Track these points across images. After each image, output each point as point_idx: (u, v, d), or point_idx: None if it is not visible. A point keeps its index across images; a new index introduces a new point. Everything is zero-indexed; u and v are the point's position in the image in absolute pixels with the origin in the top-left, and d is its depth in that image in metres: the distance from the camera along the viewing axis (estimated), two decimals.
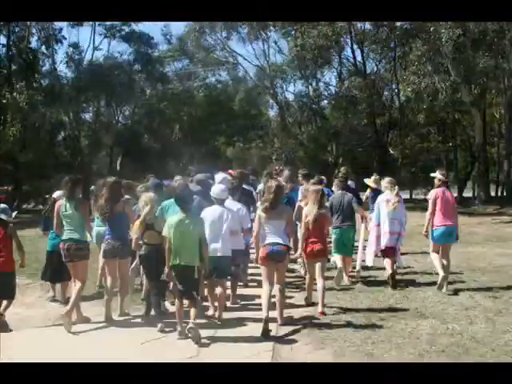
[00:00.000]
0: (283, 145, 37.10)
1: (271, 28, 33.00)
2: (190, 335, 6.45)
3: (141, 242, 7.49)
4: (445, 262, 8.96)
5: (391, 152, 31.60)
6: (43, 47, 33.83)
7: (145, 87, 36.80)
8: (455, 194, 29.02)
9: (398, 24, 28.43)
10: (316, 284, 7.78)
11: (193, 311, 6.61)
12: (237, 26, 33.09)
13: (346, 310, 7.58)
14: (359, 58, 30.64)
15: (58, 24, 33.03)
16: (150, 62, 35.28)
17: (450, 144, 31.16)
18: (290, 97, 39.30)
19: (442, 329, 6.64)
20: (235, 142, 45.94)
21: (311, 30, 27.37)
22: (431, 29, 23.92)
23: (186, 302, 6.74)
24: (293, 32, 31.33)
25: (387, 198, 9.67)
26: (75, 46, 35.03)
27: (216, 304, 7.53)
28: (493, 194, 31.39)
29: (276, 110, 40.56)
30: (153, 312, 7.49)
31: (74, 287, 7.56)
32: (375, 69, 32.72)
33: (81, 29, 35.16)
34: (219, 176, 9.17)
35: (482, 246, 13.68)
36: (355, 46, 30.22)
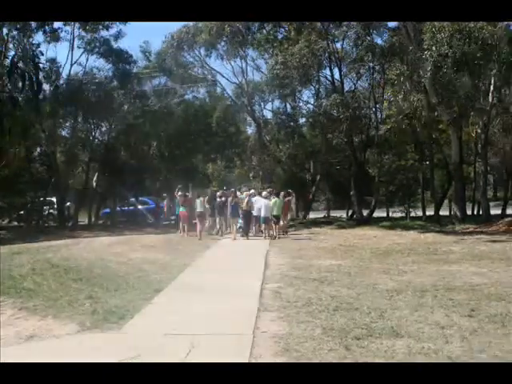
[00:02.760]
0: (261, 162, 37.13)
1: (250, 45, 33.11)
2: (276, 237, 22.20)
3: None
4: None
5: (369, 170, 31.73)
6: (20, 63, 33.54)
7: (122, 103, 36.62)
8: (432, 213, 29.32)
9: (378, 42, 28.79)
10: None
11: (274, 229, 22.66)
12: (215, 43, 33.13)
13: (321, 329, 7.50)
14: (337, 77, 30.81)
15: (35, 39, 32.96)
16: (128, 78, 35.12)
17: (427, 162, 31.33)
18: (268, 114, 39.44)
19: (417, 348, 6.58)
20: (213, 159, 45.94)
21: (290, 48, 27.50)
22: (410, 48, 24.18)
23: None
24: (271, 50, 31.50)
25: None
26: (53, 61, 34.81)
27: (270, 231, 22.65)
28: (469, 212, 31.59)
29: (254, 127, 40.63)
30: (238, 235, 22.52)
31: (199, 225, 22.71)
32: (353, 87, 32.91)
33: (59, 44, 34.93)
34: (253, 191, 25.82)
35: (458, 265, 13.71)
36: (333, 65, 30.38)
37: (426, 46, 22.28)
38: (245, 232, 22.67)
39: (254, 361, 6.26)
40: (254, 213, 22.77)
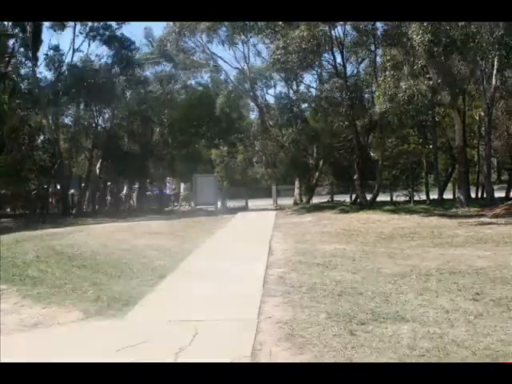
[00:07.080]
0: (264, 147, 37.08)
1: (251, 30, 32.96)
2: None
3: None
4: None
5: (372, 154, 31.64)
6: (22, 49, 33.48)
7: (125, 90, 36.49)
8: (435, 197, 29.23)
9: (379, 25, 28.53)
10: None
11: None
12: (217, 29, 33.00)
13: (326, 314, 7.47)
14: (339, 61, 30.61)
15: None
16: (130, 64, 35.02)
17: (431, 146, 31.23)
18: (271, 99, 39.36)
19: (422, 332, 6.53)
20: (216, 144, 45.92)
21: (291, 32, 27.29)
22: (409, 32, 23.97)
23: None
24: (273, 35, 31.32)
25: None
26: (56, 48, 34.71)
27: None
28: (473, 195, 31.52)
29: (257, 112, 40.54)
30: None
31: None
32: (355, 71, 32.80)
33: (62, 32, 34.81)
34: None
35: (462, 248, 13.64)
36: (335, 49, 30.14)
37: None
38: None
39: (258, 347, 6.25)
40: None
